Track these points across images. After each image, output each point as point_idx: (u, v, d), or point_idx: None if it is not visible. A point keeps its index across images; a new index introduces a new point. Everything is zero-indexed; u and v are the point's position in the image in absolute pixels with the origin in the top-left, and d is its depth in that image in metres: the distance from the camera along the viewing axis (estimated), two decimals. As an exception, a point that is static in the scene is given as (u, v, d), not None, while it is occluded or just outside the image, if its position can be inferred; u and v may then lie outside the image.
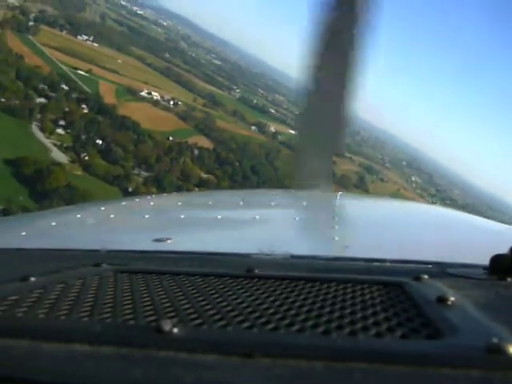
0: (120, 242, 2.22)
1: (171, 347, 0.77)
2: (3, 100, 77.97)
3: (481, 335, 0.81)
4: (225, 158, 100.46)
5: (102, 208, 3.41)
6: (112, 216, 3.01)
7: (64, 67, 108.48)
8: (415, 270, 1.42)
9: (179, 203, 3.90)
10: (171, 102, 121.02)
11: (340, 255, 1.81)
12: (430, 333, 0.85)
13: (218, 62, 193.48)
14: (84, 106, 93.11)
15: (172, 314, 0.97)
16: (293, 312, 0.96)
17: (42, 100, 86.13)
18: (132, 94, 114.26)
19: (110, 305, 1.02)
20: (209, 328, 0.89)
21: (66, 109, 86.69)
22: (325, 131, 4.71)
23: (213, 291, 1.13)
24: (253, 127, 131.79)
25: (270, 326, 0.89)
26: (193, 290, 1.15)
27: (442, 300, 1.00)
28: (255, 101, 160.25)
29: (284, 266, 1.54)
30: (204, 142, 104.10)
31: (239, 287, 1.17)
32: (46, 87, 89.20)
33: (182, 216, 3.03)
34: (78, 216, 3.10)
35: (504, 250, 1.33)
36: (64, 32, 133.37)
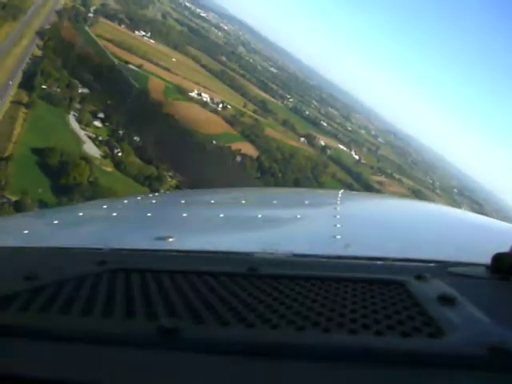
0: (123, 240, 2.22)
1: (174, 345, 0.77)
2: (44, 87, 74.06)
3: (482, 334, 0.80)
4: (268, 167, 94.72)
5: (105, 206, 3.37)
6: (115, 214, 2.96)
7: (115, 59, 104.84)
8: (417, 268, 1.41)
9: (182, 201, 3.75)
10: (220, 105, 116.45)
11: (342, 254, 1.79)
12: (431, 331, 0.84)
13: (275, 70, 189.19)
14: (128, 100, 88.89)
15: (174, 312, 0.96)
16: (294, 310, 0.95)
17: (85, 90, 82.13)
18: (181, 93, 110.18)
19: (112, 303, 1.01)
20: (211, 326, 0.88)
21: (109, 101, 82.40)
22: None
23: (215, 290, 1.12)
24: (302, 139, 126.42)
25: (271, 324, 0.88)
26: (195, 288, 1.13)
27: (443, 299, 0.98)
28: (307, 112, 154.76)
29: (286, 265, 1.53)
30: (249, 149, 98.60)
31: (241, 286, 1.15)
32: (92, 78, 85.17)
33: (185, 214, 2.96)
34: (81, 214, 3.07)
35: (506, 249, 1.31)
36: (122, 26, 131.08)
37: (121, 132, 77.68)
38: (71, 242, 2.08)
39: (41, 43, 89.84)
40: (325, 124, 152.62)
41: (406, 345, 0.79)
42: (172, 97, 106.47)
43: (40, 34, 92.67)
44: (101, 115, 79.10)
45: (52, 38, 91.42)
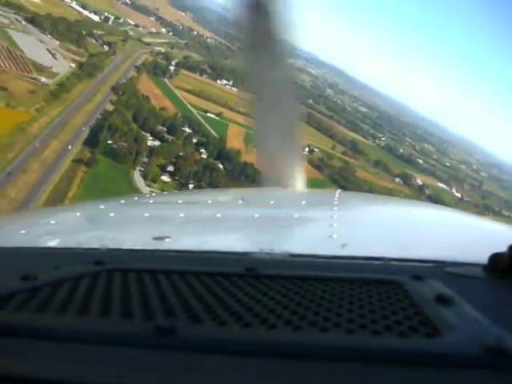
0: (120, 240, 2.18)
1: (171, 345, 0.76)
2: (110, 142, 67.46)
3: (479, 334, 0.79)
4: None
5: (102, 206, 3.27)
6: (112, 214, 2.94)
7: (193, 109, 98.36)
8: (414, 268, 1.40)
9: (179, 201, 3.75)
10: (306, 149, 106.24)
11: (339, 254, 1.78)
12: (428, 331, 0.83)
13: (364, 109, 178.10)
14: (203, 150, 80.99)
15: (171, 312, 0.95)
16: (291, 310, 0.94)
17: (156, 143, 75.01)
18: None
19: (109, 303, 1.00)
20: (208, 326, 0.87)
21: (181, 153, 74.62)
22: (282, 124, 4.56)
23: (212, 290, 1.10)
24: (397, 179, 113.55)
25: (268, 324, 0.87)
26: (192, 288, 1.12)
27: (440, 298, 0.97)
28: (401, 150, 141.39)
29: (283, 265, 1.53)
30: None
31: (238, 286, 1.14)
32: (165, 129, 78.20)
33: (182, 214, 2.90)
34: (78, 214, 3.06)
35: (503, 249, 1.30)
36: (204, 76, 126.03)
37: (190, 186, 69.22)
38: (68, 242, 2.05)
39: (115, 98, 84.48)
40: (421, 161, 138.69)
41: (403, 345, 0.77)
42: (253, 144, 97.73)
43: (115, 89, 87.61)
44: (170, 168, 71.26)
45: (126, 92, 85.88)
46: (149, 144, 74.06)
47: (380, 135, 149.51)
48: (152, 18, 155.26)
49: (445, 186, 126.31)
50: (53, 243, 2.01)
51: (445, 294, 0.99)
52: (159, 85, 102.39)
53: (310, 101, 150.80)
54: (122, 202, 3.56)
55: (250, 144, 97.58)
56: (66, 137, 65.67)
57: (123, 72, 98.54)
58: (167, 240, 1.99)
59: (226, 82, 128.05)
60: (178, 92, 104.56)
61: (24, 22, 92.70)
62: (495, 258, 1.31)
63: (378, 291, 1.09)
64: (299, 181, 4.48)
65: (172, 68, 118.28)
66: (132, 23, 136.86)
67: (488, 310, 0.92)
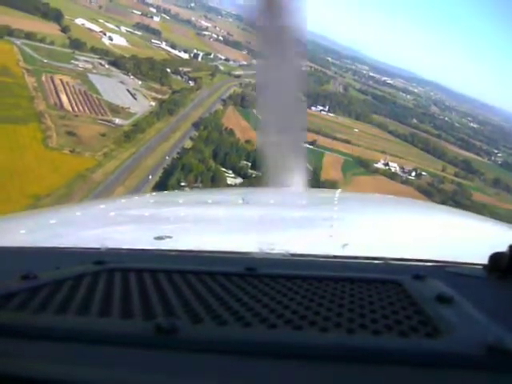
0: (120, 239, 2.16)
1: (171, 345, 0.75)
2: (183, 184, 57.55)
3: (479, 333, 0.78)
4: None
5: (102, 206, 3.33)
6: (112, 214, 2.95)
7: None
8: (414, 268, 1.37)
9: (180, 201, 3.68)
10: (413, 174, 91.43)
11: (339, 253, 1.76)
12: (428, 331, 0.81)
13: (475, 125, 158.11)
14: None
15: (171, 312, 0.93)
16: (291, 310, 0.92)
17: (238, 180, 64.49)
18: (364, 165, 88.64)
19: (110, 302, 0.98)
20: (208, 326, 0.85)
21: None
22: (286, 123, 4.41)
23: (212, 289, 1.08)
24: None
25: (269, 323, 0.86)
26: (193, 288, 1.09)
27: (440, 298, 0.95)
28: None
29: (283, 264, 1.50)
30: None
31: (239, 285, 1.12)
32: (249, 164, 67.42)
33: (182, 214, 2.95)
34: (79, 214, 3.03)
35: (503, 249, 1.28)
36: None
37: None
38: (69, 242, 2.02)
39: (197, 134, 75.26)
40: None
41: (403, 344, 0.76)
42: (352, 171, 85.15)
43: (197, 124, 78.50)
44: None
45: (208, 127, 76.28)
46: (228, 182, 63.52)
47: (495, 151, 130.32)
48: (244, 52, 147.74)
49: None
50: (53, 243, 1.98)
51: (445, 293, 0.97)
52: (246, 117, 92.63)
53: (414, 120, 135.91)
54: (123, 201, 3.50)
55: (347, 172, 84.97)
56: (133, 182, 56.62)
57: (208, 106, 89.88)
58: (168, 240, 1.98)
59: (321, 107, 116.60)
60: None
61: (107, 66, 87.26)
62: (495, 257, 1.29)
63: (378, 291, 1.06)
64: (301, 179, 4.25)
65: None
66: (222, 58, 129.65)
67: (488, 310, 0.91)
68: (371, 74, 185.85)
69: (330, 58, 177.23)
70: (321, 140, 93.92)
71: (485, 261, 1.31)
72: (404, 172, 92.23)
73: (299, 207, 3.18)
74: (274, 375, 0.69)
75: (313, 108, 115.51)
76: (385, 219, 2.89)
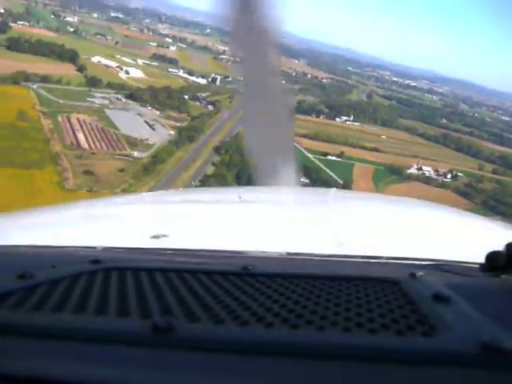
0: (117, 238, 2.16)
1: (168, 344, 0.74)
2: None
3: (476, 332, 0.77)
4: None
5: (99, 205, 3.31)
6: (109, 213, 2.94)
7: (309, 154, 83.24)
8: (411, 266, 1.36)
9: (177, 200, 3.70)
10: (449, 176, 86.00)
11: (336, 252, 1.75)
12: (425, 329, 0.80)
13: (507, 118, 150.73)
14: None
15: (168, 311, 0.92)
16: (288, 309, 0.91)
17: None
18: (395, 173, 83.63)
19: (106, 301, 0.97)
20: (205, 325, 0.84)
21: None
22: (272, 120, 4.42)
23: (209, 288, 1.07)
24: None
25: (266, 322, 0.84)
26: (189, 286, 1.08)
27: (437, 297, 0.94)
28: None
29: (280, 263, 1.49)
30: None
31: (235, 284, 1.10)
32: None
33: (179, 213, 2.93)
34: (75, 213, 3.01)
35: (500, 248, 1.27)
36: (321, 117, 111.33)
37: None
38: (65, 241, 1.99)
39: (219, 159, 71.98)
40: None
41: (399, 343, 0.75)
42: (384, 180, 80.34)
43: (218, 149, 75.25)
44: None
45: (229, 151, 72.91)
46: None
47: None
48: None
49: None
50: (50, 242, 1.96)
51: (442, 292, 0.96)
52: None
53: (444, 120, 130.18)
54: (119, 200, 3.55)
55: (379, 181, 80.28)
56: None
57: (228, 130, 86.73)
58: (164, 238, 1.97)
59: (345, 118, 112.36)
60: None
61: (124, 99, 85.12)
62: (492, 256, 1.27)
63: (375, 290, 1.05)
64: (291, 177, 4.26)
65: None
66: (241, 79, 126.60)
67: (485, 309, 0.90)
68: (394, 78, 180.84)
69: (350, 68, 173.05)
70: (348, 151, 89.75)
71: (481, 260, 1.30)
72: (439, 175, 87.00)
73: (296, 206, 3.10)
74: (270, 374, 0.68)
75: (337, 119, 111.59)
76: (381, 218, 2.84)
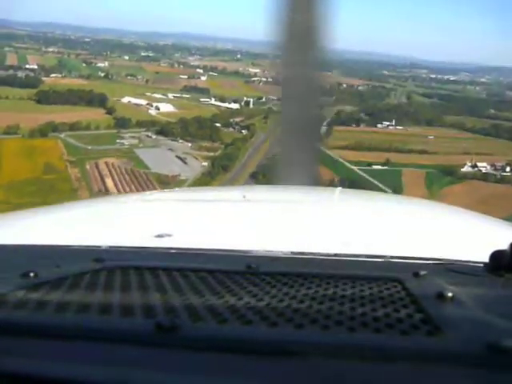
0: (120, 238, 2.13)
1: (171, 344, 0.73)
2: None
3: (480, 332, 0.76)
4: None
5: (103, 204, 3.26)
6: (113, 212, 2.91)
7: (353, 166, 76.07)
8: (415, 266, 1.36)
9: (180, 199, 3.65)
10: (508, 169, 76.93)
11: (340, 251, 1.73)
12: (429, 329, 0.79)
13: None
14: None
15: (172, 310, 0.90)
16: (292, 308, 0.90)
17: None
18: (449, 173, 75.48)
19: (109, 301, 0.95)
20: (209, 324, 0.82)
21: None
22: (304, 124, 4.59)
23: (213, 287, 1.05)
24: None
25: (270, 322, 0.83)
26: (193, 286, 1.07)
27: (441, 296, 0.93)
28: None
29: (284, 262, 1.48)
30: None
31: (239, 283, 1.09)
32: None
33: (183, 212, 2.88)
34: (79, 212, 2.99)
35: (504, 247, 1.25)
36: (362, 126, 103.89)
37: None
38: (69, 240, 1.96)
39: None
40: None
41: (404, 343, 0.74)
42: (438, 184, 72.17)
43: (255, 174, 69.30)
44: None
45: (267, 175, 66.67)
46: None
47: None
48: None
49: None
50: (53, 241, 1.94)
51: (446, 291, 0.94)
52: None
53: (492, 111, 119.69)
54: (123, 199, 3.43)
55: (433, 185, 72.07)
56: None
57: (264, 151, 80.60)
58: (168, 238, 1.96)
59: (387, 123, 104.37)
60: (331, 153, 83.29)
61: (154, 136, 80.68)
62: (496, 255, 1.25)
63: (379, 289, 1.03)
64: (313, 180, 4.24)
65: (323, 129, 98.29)
66: (275, 98, 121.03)
67: (489, 308, 0.89)
68: (431, 75, 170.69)
69: (385, 71, 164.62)
70: (394, 157, 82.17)
71: (486, 259, 1.28)
72: (496, 169, 78.01)
73: (300, 205, 3.07)
74: (274, 373, 0.66)
75: (378, 125, 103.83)
76: (385, 217, 2.81)
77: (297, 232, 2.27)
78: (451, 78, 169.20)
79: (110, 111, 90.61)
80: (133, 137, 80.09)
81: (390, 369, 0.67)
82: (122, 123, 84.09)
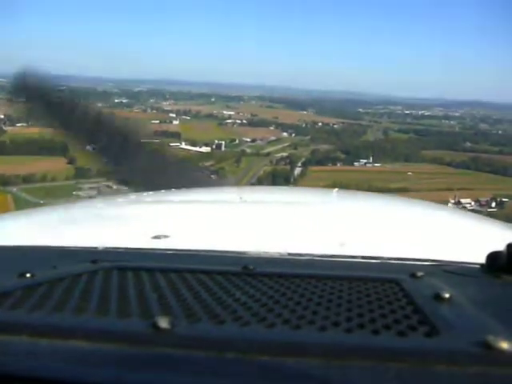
0: (117, 238, 2.08)
1: (168, 344, 0.71)
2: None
3: (477, 332, 0.75)
4: None
5: (100, 205, 3.25)
6: (110, 213, 2.86)
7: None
8: (412, 267, 1.34)
9: (177, 200, 3.54)
10: (493, 204, 70.47)
11: (337, 253, 1.71)
12: (426, 330, 0.78)
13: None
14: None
15: (168, 311, 0.89)
16: (289, 309, 0.88)
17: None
18: (432, 213, 66.83)
19: (106, 301, 0.94)
20: (206, 325, 0.81)
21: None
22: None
23: (209, 288, 1.03)
24: None
25: (267, 322, 0.82)
26: (189, 287, 1.05)
27: (438, 297, 0.92)
28: None
29: (280, 263, 1.45)
30: None
31: (236, 284, 1.07)
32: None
33: (179, 213, 2.82)
34: (76, 213, 2.95)
35: (500, 248, 1.23)
36: (338, 164, 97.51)
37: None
38: (66, 241, 1.93)
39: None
40: None
41: (401, 344, 0.73)
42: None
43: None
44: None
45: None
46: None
47: None
48: (271, 128, 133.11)
49: None
50: (50, 242, 1.90)
51: (443, 292, 0.93)
52: (281, 196, 74.55)
53: (468, 144, 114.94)
54: (120, 200, 3.37)
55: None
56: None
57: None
58: (165, 239, 1.94)
59: (364, 160, 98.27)
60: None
61: (115, 186, 72.13)
62: (493, 256, 1.24)
63: (376, 290, 1.02)
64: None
65: (297, 170, 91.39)
66: (248, 140, 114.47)
67: (486, 309, 0.88)
68: (406, 111, 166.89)
69: (360, 109, 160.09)
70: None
71: (482, 260, 1.28)
72: (481, 205, 71.52)
73: (297, 206, 3.00)
74: (272, 374, 0.65)
75: (355, 164, 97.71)
76: (382, 218, 2.77)
77: (294, 233, 2.20)
78: (426, 113, 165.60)
79: (71, 161, 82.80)
80: (92, 187, 72.07)
81: (387, 370, 0.65)
82: (82, 173, 76.19)
